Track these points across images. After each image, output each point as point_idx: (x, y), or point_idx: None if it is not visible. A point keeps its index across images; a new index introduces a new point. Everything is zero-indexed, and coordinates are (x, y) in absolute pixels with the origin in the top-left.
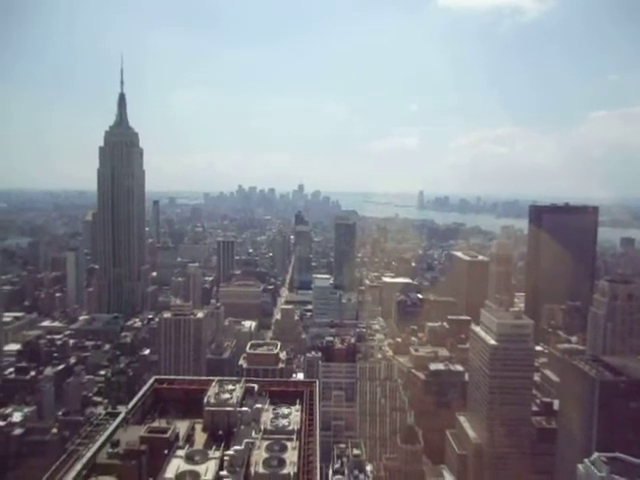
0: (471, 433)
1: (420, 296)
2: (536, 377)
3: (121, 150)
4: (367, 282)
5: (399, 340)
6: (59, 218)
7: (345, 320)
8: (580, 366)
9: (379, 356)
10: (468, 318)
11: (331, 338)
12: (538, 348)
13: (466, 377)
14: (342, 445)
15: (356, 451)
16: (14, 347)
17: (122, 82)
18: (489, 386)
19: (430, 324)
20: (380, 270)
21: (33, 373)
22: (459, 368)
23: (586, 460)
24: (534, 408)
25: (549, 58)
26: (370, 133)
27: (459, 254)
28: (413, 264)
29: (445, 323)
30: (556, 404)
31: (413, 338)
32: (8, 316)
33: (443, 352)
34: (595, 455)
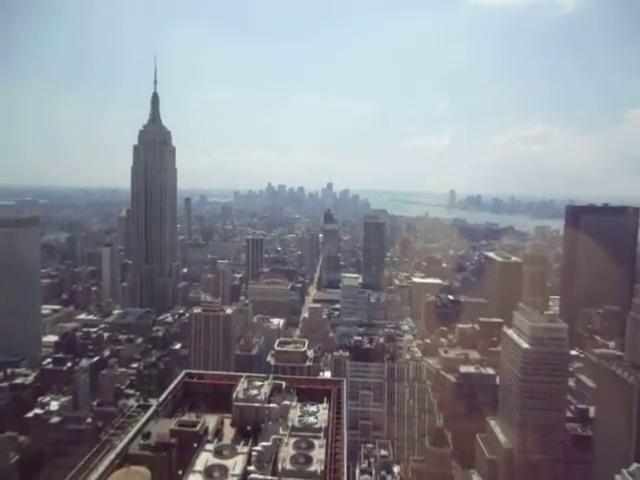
0: (502, 438)
1: (451, 297)
2: (571, 382)
3: (154, 148)
4: (396, 282)
5: (428, 341)
6: (95, 215)
7: (373, 320)
8: (618, 372)
9: (408, 357)
10: (500, 320)
11: (359, 337)
12: (573, 353)
13: (497, 381)
14: (369, 445)
15: (384, 452)
16: (52, 338)
17: (155, 82)
18: (521, 390)
19: (461, 326)
20: (410, 270)
21: (69, 364)
22: (490, 371)
23: (624, 471)
24: (568, 414)
25: (584, 55)
26: (400, 131)
27: (491, 255)
28: (444, 264)
29: (476, 325)
30: (592, 411)
31: (443, 340)
32: (47, 308)
33: (474, 355)
34: (634, 466)
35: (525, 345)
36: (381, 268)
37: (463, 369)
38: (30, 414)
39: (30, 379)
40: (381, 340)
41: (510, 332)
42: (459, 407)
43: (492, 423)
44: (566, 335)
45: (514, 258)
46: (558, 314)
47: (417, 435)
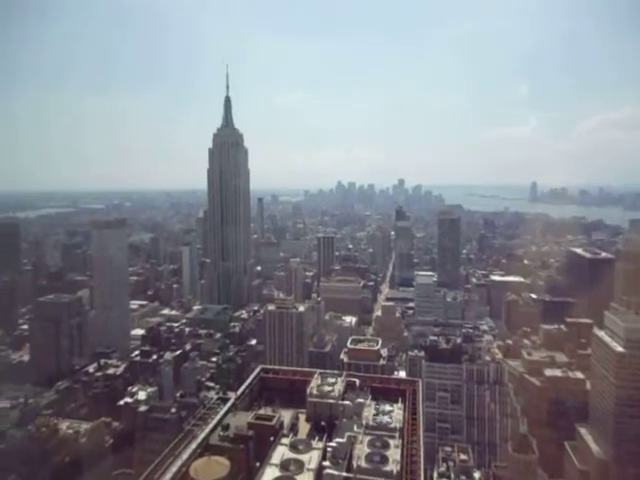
0: (594, 447)
1: (534, 296)
2: None
3: (228, 150)
4: (473, 280)
5: (510, 342)
6: (175, 215)
7: (450, 319)
8: None
9: (487, 358)
10: (590, 321)
11: (435, 337)
12: None
13: (587, 386)
14: (448, 448)
15: (463, 456)
16: (139, 332)
17: (227, 86)
18: (616, 397)
19: (545, 326)
20: (488, 268)
21: (155, 357)
22: (579, 375)
23: None
24: None
25: None
26: (475, 123)
27: (579, 251)
28: (525, 262)
29: (563, 326)
30: None
31: (526, 341)
32: (134, 304)
33: (561, 357)
34: None
35: (619, 348)
36: (457, 266)
37: (549, 372)
38: (121, 402)
39: (120, 370)
40: (458, 340)
41: (601, 334)
42: (544, 412)
43: (582, 431)
44: None
45: (604, 254)
46: None
47: (499, 440)
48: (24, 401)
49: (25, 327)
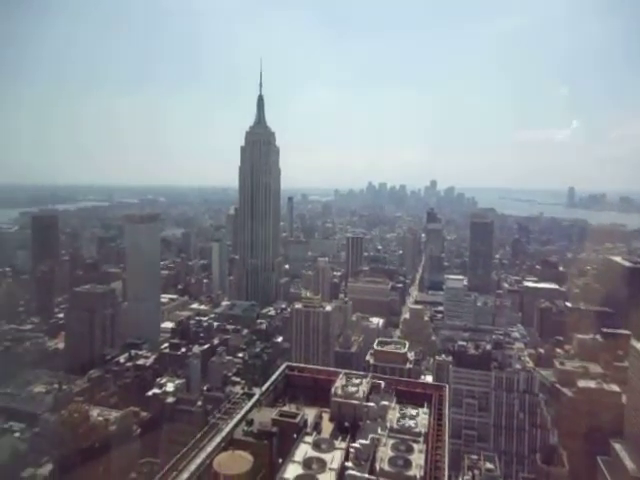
0: (629, 464)
1: (569, 304)
2: None
3: (259, 149)
4: (506, 285)
5: (542, 351)
6: (206, 212)
7: (480, 325)
8: None
9: (518, 366)
10: (627, 332)
11: (464, 342)
12: None
13: (623, 399)
14: (474, 456)
15: (489, 465)
16: (169, 325)
17: (261, 85)
18: None
19: (580, 336)
20: (521, 273)
21: (184, 350)
22: (615, 388)
23: None
24: None
25: None
26: (511, 124)
27: (618, 259)
28: (560, 268)
29: (598, 336)
30: None
31: (558, 350)
32: (165, 297)
33: (595, 368)
34: None
35: None
36: (489, 270)
37: (582, 383)
38: (150, 393)
39: (150, 361)
40: (488, 347)
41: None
42: (576, 425)
43: (617, 447)
44: None
45: None
46: None
47: (527, 451)
48: (58, 387)
49: (61, 316)
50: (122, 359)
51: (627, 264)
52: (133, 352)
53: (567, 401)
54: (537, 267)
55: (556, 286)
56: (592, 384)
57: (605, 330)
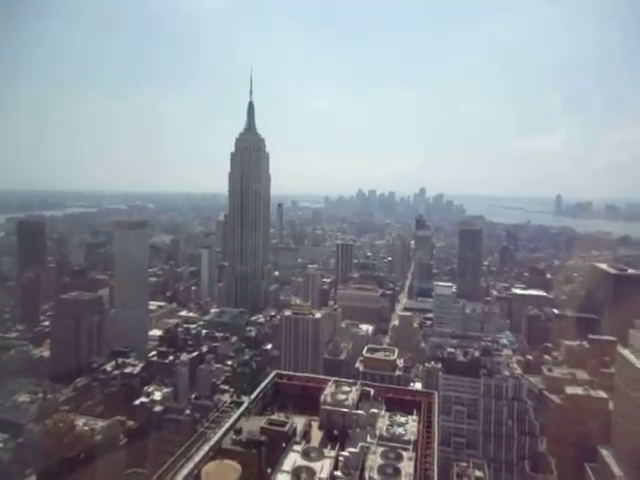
0: (617, 471)
1: (556, 311)
2: None
3: (249, 155)
4: (494, 292)
5: (530, 358)
6: (196, 218)
7: (468, 332)
8: None
9: (506, 373)
10: (614, 339)
11: (453, 349)
12: None
13: (610, 405)
14: (463, 464)
15: (478, 472)
16: (157, 332)
17: (251, 91)
18: None
19: (567, 342)
20: (509, 280)
21: (172, 358)
22: (602, 394)
23: None
24: None
25: None
26: (500, 133)
27: (604, 266)
28: (548, 275)
29: (585, 342)
30: None
31: (546, 357)
32: (153, 304)
33: (582, 375)
34: None
35: None
36: (477, 277)
37: (570, 390)
38: (137, 402)
39: (137, 369)
40: (477, 354)
41: (626, 352)
42: (564, 431)
43: (604, 452)
44: None
45: (631, 270)
46: None
47: (516, 458)
48: (43, 396)
49: (46, 323)
50: (109, 367)
51: (613, 271)
52: (120, 360)
53: (555, 408)
54: (525, 274)
55: (544, 293)
56: (579, 391)
57: (591, 337)
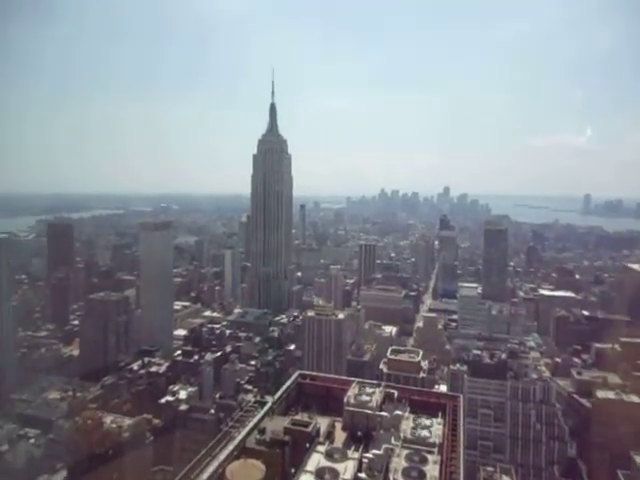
0: None
1: (585, 313)
2: None
3: (272, 157)
4: (521, 294)
5: (558, 360)
6: (219, 219)
7: (494, 334)
8: None
9: (534, 376)
10: None
11: (479, 352)
12: None
13: None
14: (490, 468)
15: (506, 477)
16: (182, 332)
17: (273, 93)
18: None
19: (598, 345)
20: (536, 281)
21: (196, 357)
22: (635, 399)
23: None
24: None
25: None
26: (525, 130)
27: (636, 266)
28: (577, 276)
29: (617, 345)
30: None
31: (576, 359)
32: (178, 304)
33: (614, 379)
34: None
35: None
36: (503, 278)
37: (601, 394)
38: (163, 400)
39: (163, 368)
40: (503, 356)
41: None
42: (595, 436)
43: (638, 460)
44: None
45: None
46: None
47: (545, 463)
48: (72, 394)
49: (76, 323)
50: (135, 366)
51: None
52: (146, 359)
53: (585, 412)
54: (553, 275)
55: (572, 294)
56: (611, 395)
57: (623, 339)
